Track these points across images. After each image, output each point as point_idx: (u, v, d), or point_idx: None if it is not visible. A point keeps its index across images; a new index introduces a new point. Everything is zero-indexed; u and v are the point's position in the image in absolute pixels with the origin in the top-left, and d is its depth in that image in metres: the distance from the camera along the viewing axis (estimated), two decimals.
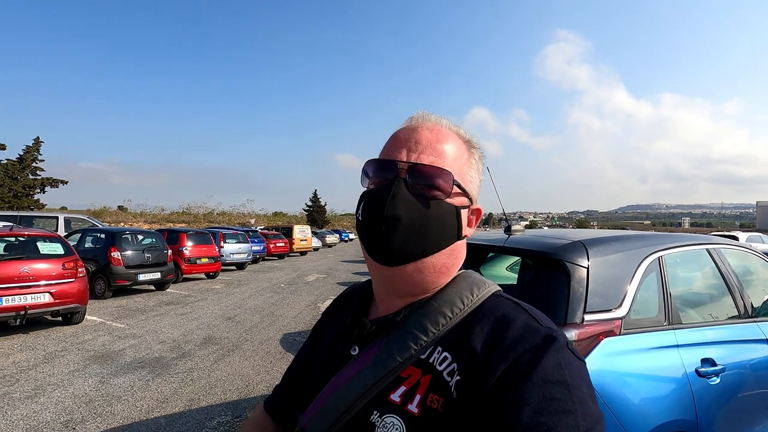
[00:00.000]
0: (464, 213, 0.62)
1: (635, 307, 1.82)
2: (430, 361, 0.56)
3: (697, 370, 1.80)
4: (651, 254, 2.00)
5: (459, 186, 0.60)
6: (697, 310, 2.26)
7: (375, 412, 0.55)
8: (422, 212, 0.57)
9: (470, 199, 0.62)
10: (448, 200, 0.59)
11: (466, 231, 0.63)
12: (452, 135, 0.63)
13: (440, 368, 0.54)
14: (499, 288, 0.64)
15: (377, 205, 0.57)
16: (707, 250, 2.38)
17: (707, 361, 1.86)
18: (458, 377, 0.52)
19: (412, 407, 0.53)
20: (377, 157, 0.63)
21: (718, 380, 1.85)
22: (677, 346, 1.83)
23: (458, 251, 0.63)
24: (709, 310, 2.29)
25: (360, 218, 0.61)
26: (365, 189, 0.62)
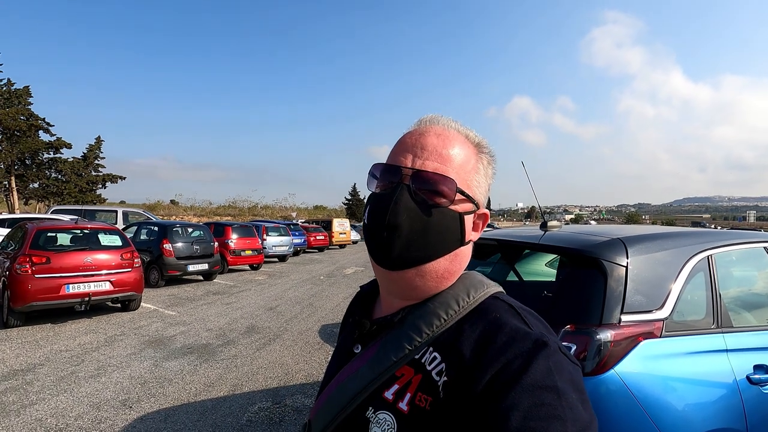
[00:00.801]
0: (468, 219, 0.62)
1: (679, 309, 1.73)
2: (422, 361, 0.57)
3: (748, 377, 1.69)
4: (699, 253, 1.88)
5: (463, 193, 0.60)
6: (753, 313, 2.11)
7: (370, 408, 0.58)
8: (424, 219, 0.58)
9: (476, 205, 0.63)
10: (452, 207, 0.59)
11: (471, 236, 0.64)
12: (460, 139, 0.63)
13: (429, 368, 0.56)
14: (500, 289, 0.64)
15: (380, 211, 0.58)
16: (765, 248, 2.20)
17: (761, 368, 1.74)
18: (446, 378, 0.53)
19: (403, 405, 0.55)
20: (384, 162, 0.64)
21: None
22: (726, 350, 1.72)
23: (461, 256, 0.63)
24: (767, 313, 2.13)
25: (366, 222, 0.62)
26: (371, 192, 0.64)
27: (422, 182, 0.58)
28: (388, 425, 0.55)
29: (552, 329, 0.58)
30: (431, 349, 0.58)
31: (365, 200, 0.65)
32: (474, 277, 0.64)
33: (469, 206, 0.62)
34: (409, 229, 0.57)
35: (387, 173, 0.62)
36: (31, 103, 28.95)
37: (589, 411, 0.48)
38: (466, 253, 0.64)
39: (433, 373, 0.55)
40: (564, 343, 1.58)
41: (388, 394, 0.57)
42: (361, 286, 0.78)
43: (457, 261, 0.63)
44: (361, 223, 0.67)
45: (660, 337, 1.63)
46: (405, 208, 0.57)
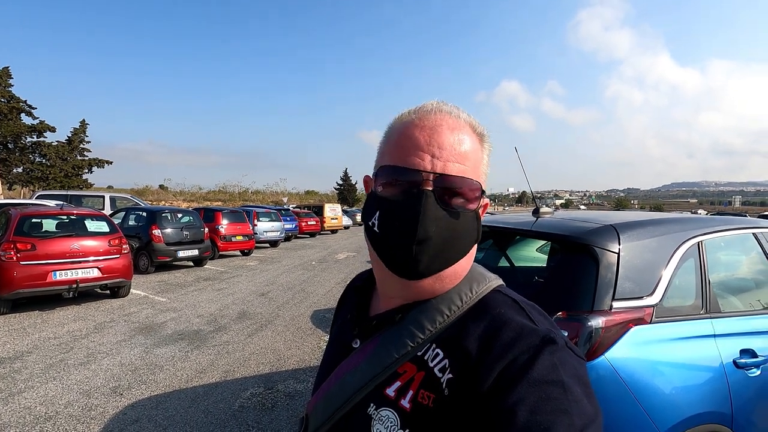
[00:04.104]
0: (480, 212, 0.61)
1: (669, 295, 1.74)
2: (425, 358, 0.56)
3: (735, 361, 1.72)
4: (689, 239, 1.89)
5: (482, 192, 0.58)
6: (740, 298, 2.14)
7: (372, 405, 0.57)
8: (452, 226, 0.55)
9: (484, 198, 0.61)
10: (472, 207, 0.58)
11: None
12: (469, 131, 0.60)
13: (432, 365, 0.55)
14: (502, 283, 0.63)
15: (406, 223, 0.54)
16: (754, 234, 2.22)
17: (747, 352, 1.77)
18: (450, 375, 0.52)
19: (405, 402, 0.54)
20: (398, 165, 0.57)
21: (759, 372, 1.75)
22: (714, 335, 1.74)
23: (473, 252, 0.62)
24: (754, 298, 2.16)
25: (378, 231, 0.57)
26: (380, 194, 0.58)
27: (447, 187, 0.55)
28: (391, 422, 0.54)
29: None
30: (434, 345, 0.56)
31: (366, 199, 0.60)
32: (475, 270, 0.63)
33: (480, 201, 0.60)
34: (440, 240, 0.54)
35: (401, 175, 0.56)
36: (11, 85, 28.06)
37: (595, 404, 0.48)
38: (475, 247, 0.62)
39: (436, 370, 0.54)
40: None
41: (390, 391, 0.56)
42: (354, 279, 0.76)
43: (471, 257, 0.61)
44: (363, 226, 0.61)
45: (650, 323, 1.64)
46: (435, 218, 0.54)
